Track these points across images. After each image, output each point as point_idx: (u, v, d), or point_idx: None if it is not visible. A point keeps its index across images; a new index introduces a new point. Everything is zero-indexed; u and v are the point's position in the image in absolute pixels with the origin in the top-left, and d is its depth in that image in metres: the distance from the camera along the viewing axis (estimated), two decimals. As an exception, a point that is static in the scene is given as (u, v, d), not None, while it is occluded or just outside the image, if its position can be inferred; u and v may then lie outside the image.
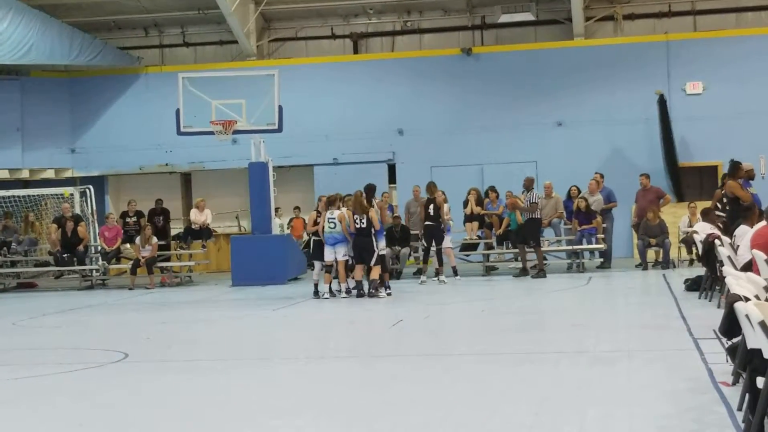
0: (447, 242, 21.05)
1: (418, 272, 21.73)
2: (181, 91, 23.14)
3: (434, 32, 28.81)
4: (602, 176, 23.15)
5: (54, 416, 8.39)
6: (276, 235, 22.67)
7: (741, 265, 12.03)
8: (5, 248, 24.74)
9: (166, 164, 28.65)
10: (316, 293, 18.37)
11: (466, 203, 22.96)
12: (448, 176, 24.91)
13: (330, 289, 18.21)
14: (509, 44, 27.80)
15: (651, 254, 22.07)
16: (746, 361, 7.06)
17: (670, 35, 26.69)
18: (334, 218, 17.99)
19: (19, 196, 26.46)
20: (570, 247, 22.28)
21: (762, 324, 6.28)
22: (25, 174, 28.60)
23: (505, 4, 27.26)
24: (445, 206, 21.10)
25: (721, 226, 16.27)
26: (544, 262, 21.49)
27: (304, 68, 28.02)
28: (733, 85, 25.84)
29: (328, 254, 18.10)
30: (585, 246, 21.90)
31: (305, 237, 20.03)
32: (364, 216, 17.82)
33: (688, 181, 25.79)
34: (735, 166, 17.19)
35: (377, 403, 8.31)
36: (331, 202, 18.26)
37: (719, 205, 17.58)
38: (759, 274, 10.45)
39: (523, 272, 21.02)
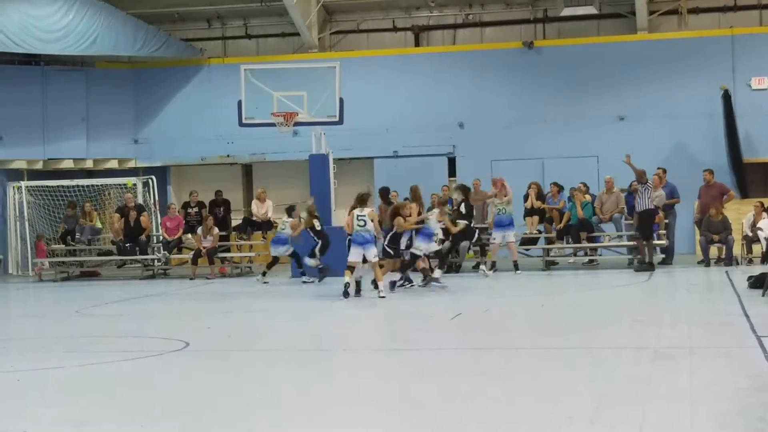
0: (510, 236, 21.06)
1: (477, 266, 21.72)
2: (243, 82, 23.38)
3: (496, 25, 28.70)
4: (665, 171, 22.91)
5: (117, 403, 8.49)
6: (335, 227, 22.68)
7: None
8: (69, 237, 25.12)
9: (228, 155, 28.84)
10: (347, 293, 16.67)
11: (526, 197, 22.86)
12: (508, 170, 24.75)
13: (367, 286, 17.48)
14: (571, 38, 27.63)
15: (714, 251, 21.79)
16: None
17: (736, 29, 26.32)
18: (364, 216, 16.76)
19: (83, 186, 26.90)
20: (631, 243, 22.08)
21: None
22: (89, 164, 28.98)
23: (567, -3, 27.11)
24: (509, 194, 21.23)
25: None
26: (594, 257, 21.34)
27: (365, 61, 28.06)
28: (800, 80, 25.49)
29: (355, 254, 16.63)
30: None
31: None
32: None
33: (752, 177, 25.43)
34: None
35: (435, 395, 8.30)
36: (363, 200, 17.01)
37: None
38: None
39: (649, 266, 20.49)
